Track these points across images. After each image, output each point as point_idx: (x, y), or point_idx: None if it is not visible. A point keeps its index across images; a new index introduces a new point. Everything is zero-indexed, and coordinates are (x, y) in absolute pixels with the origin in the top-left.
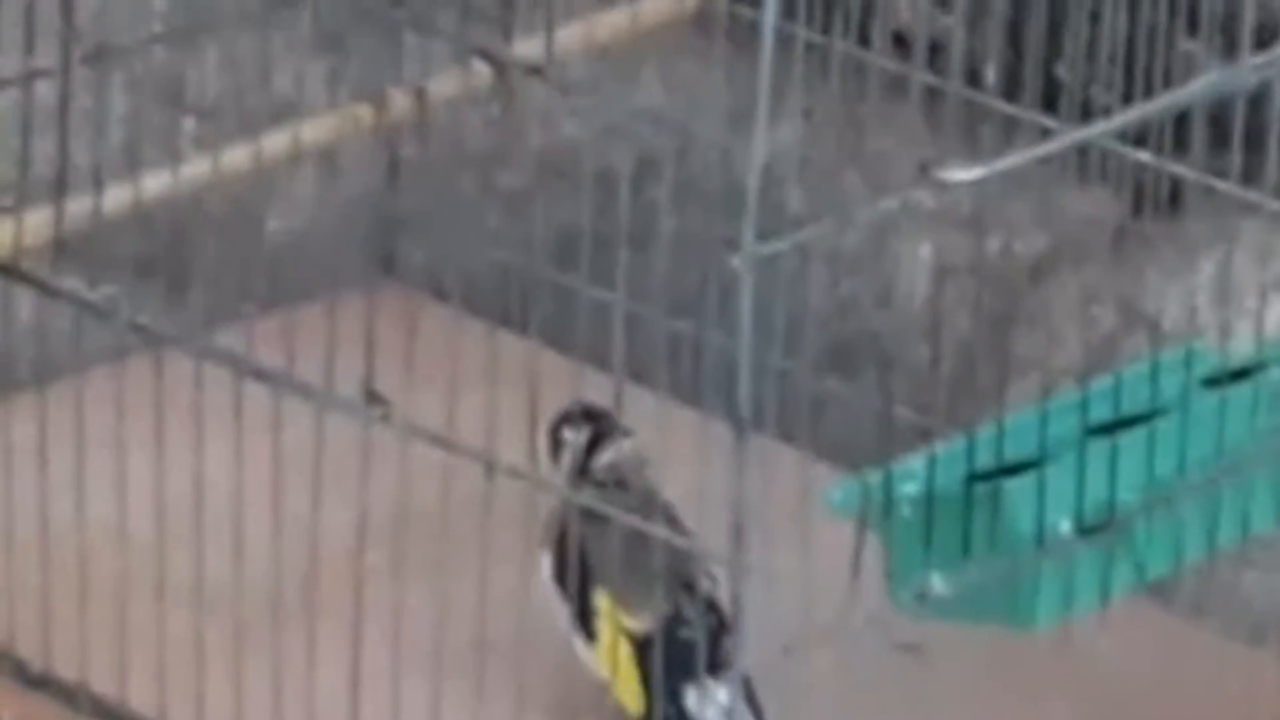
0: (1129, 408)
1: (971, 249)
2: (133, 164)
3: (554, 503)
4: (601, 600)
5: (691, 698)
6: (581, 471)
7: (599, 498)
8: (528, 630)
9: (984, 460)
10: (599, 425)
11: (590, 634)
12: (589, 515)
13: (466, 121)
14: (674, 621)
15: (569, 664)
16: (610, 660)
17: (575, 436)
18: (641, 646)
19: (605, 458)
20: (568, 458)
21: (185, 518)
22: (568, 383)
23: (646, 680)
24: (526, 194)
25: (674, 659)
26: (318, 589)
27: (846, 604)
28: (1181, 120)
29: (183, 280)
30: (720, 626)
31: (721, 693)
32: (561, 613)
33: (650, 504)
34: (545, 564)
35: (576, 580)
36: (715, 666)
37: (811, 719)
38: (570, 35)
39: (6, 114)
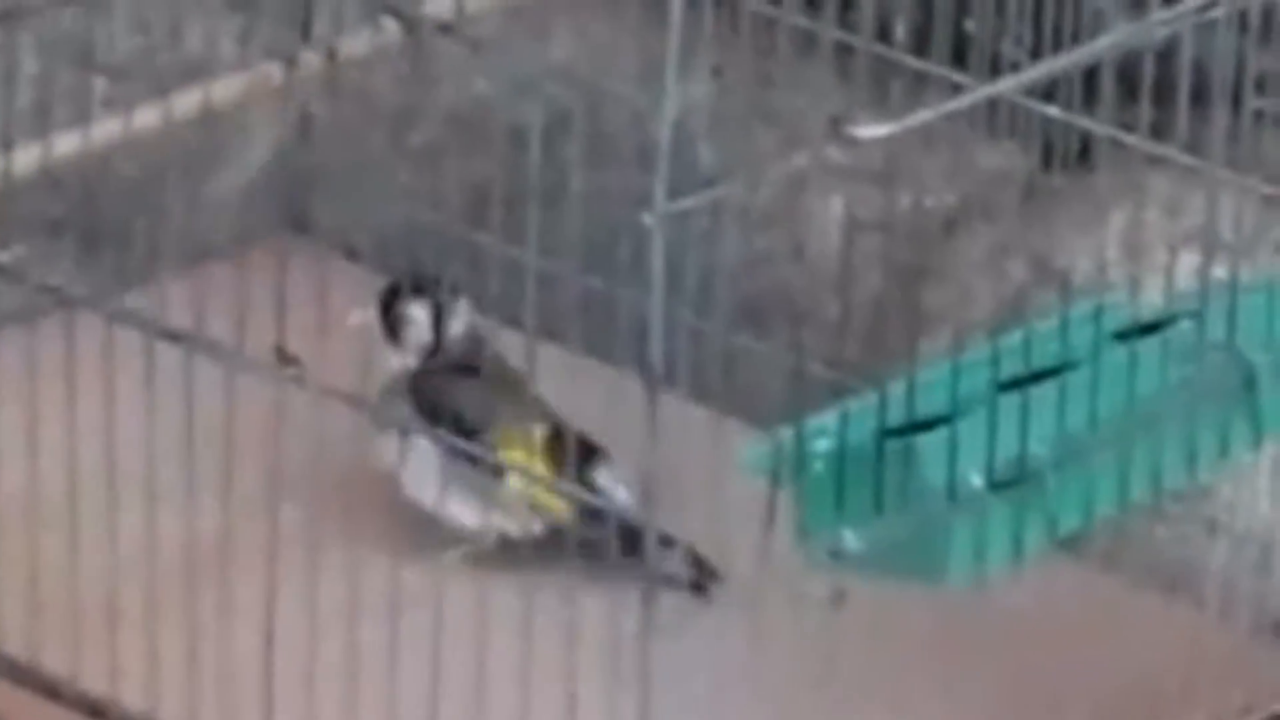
0: (1040, 362)
1: (882, 204)
2: (43, 124)
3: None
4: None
5: (603, 475)
6: (435, 347)
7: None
8: (441, 582)
9: (896, 416)
10: (435, 295)
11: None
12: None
13: (377, 79)
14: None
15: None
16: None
17: (418, 311)
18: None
19: (456, 328)
20: (414, 334)
21: (97, 479)
22: None
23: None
24: (437, 151)
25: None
26: (231, 550)
27: (759, 562)
28: (1091, 75)
29: (93, 241)
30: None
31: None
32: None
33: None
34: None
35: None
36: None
37: (725, 677)
38: None
39: None
